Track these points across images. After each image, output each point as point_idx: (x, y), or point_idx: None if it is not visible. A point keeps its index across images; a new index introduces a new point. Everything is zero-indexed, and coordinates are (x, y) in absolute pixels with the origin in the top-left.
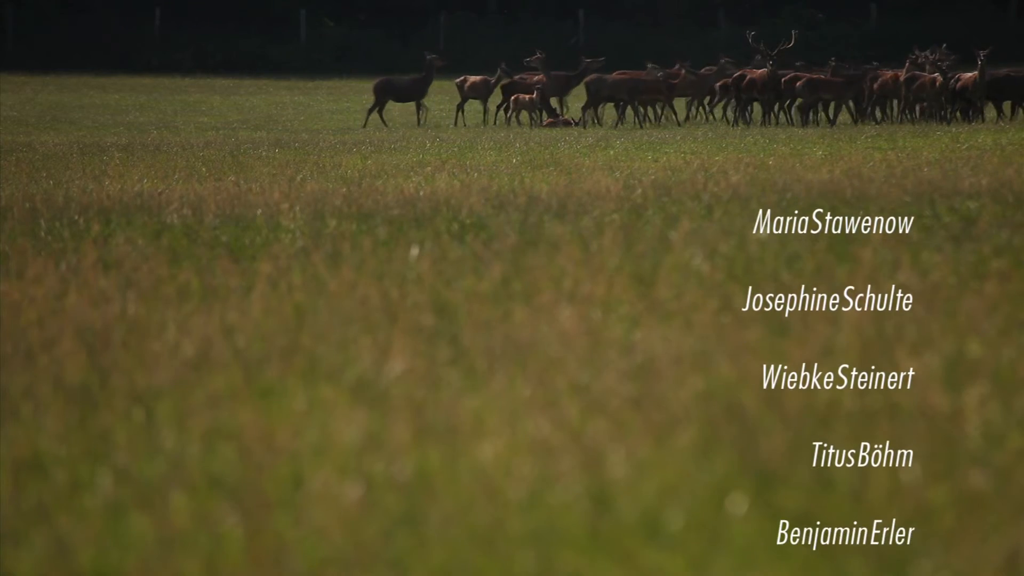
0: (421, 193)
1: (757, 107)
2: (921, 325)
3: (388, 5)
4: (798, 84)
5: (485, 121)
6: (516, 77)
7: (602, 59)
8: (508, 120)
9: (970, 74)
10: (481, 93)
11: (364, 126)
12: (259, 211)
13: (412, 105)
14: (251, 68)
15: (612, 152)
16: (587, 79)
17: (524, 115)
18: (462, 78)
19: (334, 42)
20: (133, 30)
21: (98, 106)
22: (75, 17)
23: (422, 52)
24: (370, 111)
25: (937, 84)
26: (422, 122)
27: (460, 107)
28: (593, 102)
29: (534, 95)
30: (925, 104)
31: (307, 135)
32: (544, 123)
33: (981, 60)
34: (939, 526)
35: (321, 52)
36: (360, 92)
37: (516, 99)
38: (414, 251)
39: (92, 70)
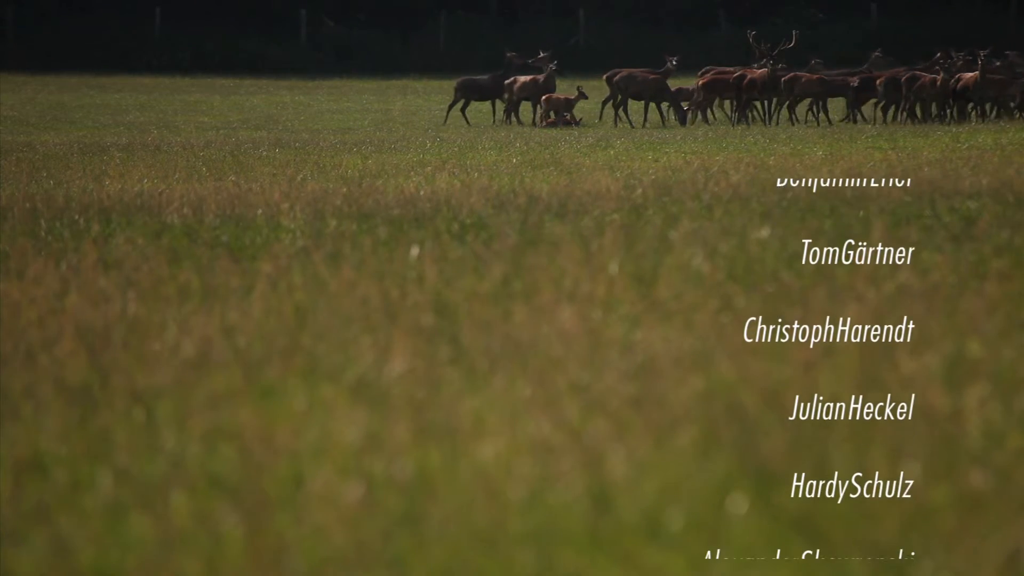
0: (421, 193)
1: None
2: (921, 325)
3: (388, 5)
4: (878, 82)
5: (535, 122)
6: (472, 78)
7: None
8: (543, 121)
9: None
10: (531, 93)
11: (444, 123)
12: (259, 211)
13: (414, 104)
14: (251, 68)
15: (612, 152)
16: (616, 77)
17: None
18: (512, 79)
19: (334, 42)
20: (133, 30)
21: (98, 106)
22: (75, 17)
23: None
24: (450, 107)
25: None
26: (498, 121)
27: (510, 109)
28: (622, 100)
29: (572, 95)
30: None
31: (307, 135)
32: (544, 123)
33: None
34: (939, 526)
35: (321, 52)
36: (360, 92)
37: (548, 99)
38: (414, 251)
39: (92, 70)
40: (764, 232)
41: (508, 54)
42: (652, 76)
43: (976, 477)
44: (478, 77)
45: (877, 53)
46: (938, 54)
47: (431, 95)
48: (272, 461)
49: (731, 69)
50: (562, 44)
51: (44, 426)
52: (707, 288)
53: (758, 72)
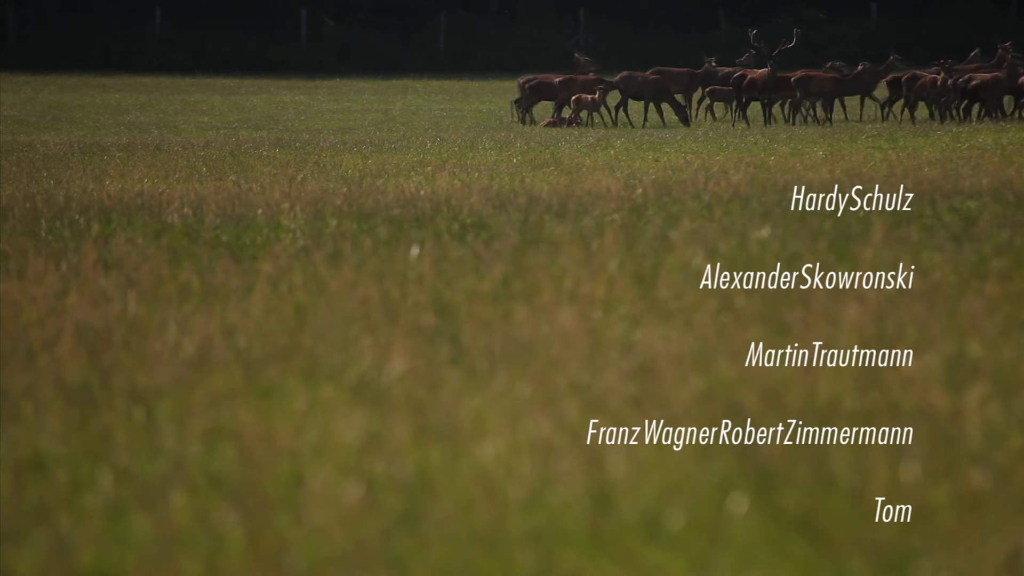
0: (422, 193)
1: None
2: (921, 325)
3: (388, 4)
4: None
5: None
6: (540, 77)
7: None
8: (572, 120)
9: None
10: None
11: (512, 120)
12: (260, 211)
13: (414, 104)
14: (252, 68)
15: (613, 152)
16: (617, 77)
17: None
18: (567, 77)
19: (334, 42)
20: (134, 30)
21: (98, 106)
22: (75, 17)
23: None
24: (524, 108)
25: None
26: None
27: (559, 108)
28: (622, 101)
29: (595, 95)
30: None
31: (308, 135)
32: (543, 123)
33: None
34: (939, 526)
35: (321, 52)
36: (360, 92)
37: (578, 99)
38: (415, 251)
39: (92, 70)
40: (764, 232)
41: (576, 55)
42: (653, 77)
43: (976, 477)
44: (543, 76)
45: (976, 52)
46: (1001, 47)
47: (431, 95)
48: (272, 461)
49: (730, 69)
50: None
51: (44, 426)
52: (707, 288)
53: (758, 72)
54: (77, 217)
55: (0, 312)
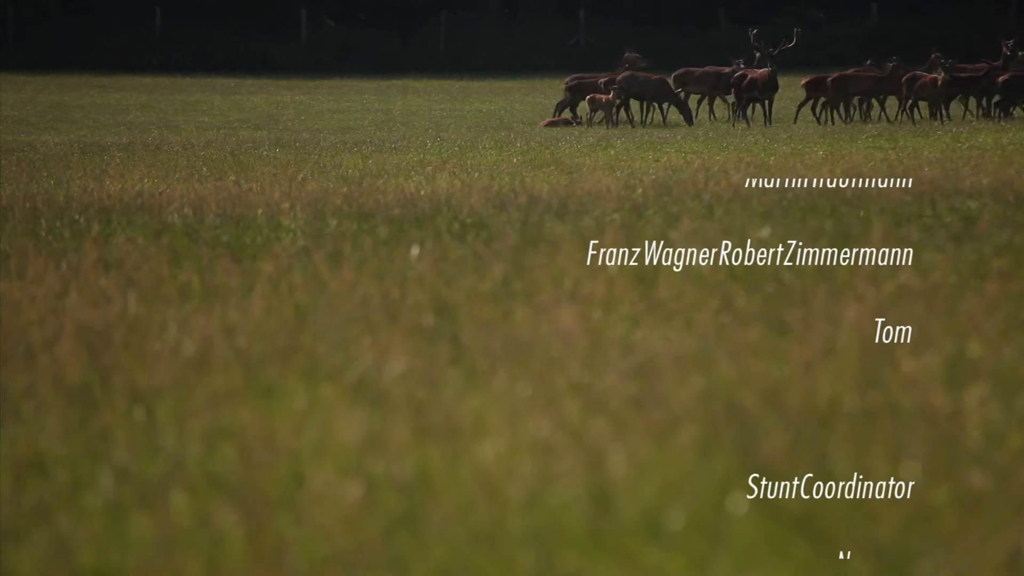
0: (422, 192)
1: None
2: (921, 325)
3: (389, 4)
4: (1000, 80)
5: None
6: (584, 77)
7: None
8: (590, 120)
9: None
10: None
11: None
12: (260, 211)
13: (414, 104)
14: (252, 67)
15: (613, 152)
16: (618, 77)
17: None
18: (613, 76)
19: (335, 41)
20: (134, 30)
21: (99, 106)
22: (75, 17)
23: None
24: (560, 108)
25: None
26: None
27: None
28: (623, 101)
29: (610, 95)
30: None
31: (308, 134)
32: (543, 123)
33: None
34: (939, 526)
35: (322, 51)
36: (360, 92)
37: (593, 99)
38: (415, 251)
39: (92, 70)
40: (764, 232)
41: (626, 53)
42: (655, 77)
43: (976, 477)
44: (590, 78)
45: (1021, 53)
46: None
47: (431, 95)
48: (272, 461)
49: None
50: (563, 44)
51: (45, 426)
52: (707, 288)
53: (758, 72)
54: (77, 217)
55: (0, 312)
